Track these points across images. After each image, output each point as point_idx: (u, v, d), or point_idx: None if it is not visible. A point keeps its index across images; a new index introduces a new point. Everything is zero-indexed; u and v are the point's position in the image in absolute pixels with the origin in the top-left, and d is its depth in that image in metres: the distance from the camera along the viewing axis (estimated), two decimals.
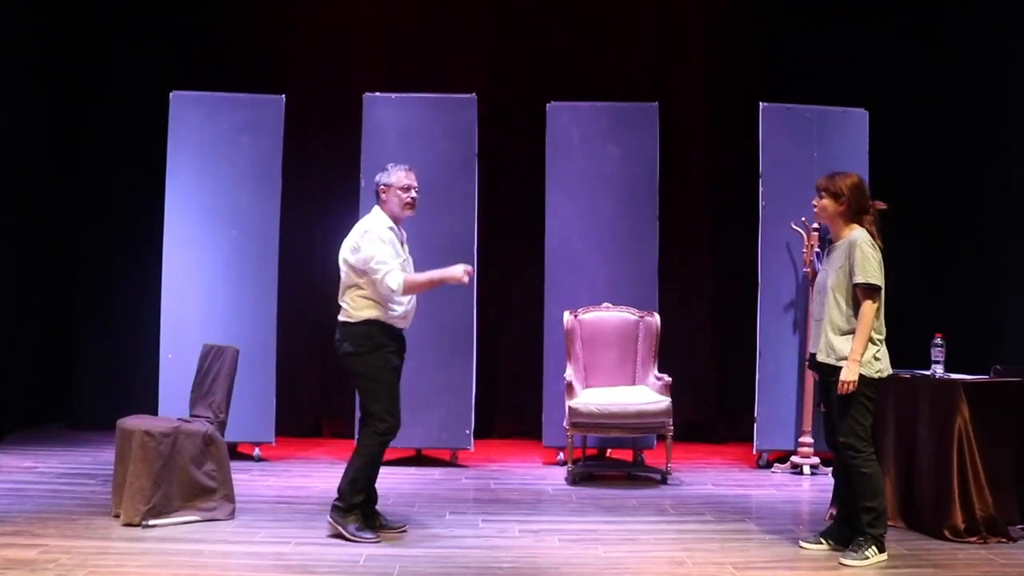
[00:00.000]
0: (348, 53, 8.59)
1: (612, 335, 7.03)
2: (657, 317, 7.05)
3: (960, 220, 8.15)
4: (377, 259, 4.93)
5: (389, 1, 8.65)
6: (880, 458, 5.38)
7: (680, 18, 8.69)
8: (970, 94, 8.10)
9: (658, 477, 6.66)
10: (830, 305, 4.67)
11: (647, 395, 6.62)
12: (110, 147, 8.45)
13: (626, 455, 7.30)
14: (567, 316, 7.02)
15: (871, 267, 4.59)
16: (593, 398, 6.57)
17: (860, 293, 4.60)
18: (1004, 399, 5.17)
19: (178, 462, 5.14)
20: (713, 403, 8.45)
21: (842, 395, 4.58)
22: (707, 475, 6.88)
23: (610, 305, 7.11)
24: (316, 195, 8.44)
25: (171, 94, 7.18)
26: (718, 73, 8.61)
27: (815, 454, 6.90)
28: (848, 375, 4.54)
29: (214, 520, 5.16)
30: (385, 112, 7.25)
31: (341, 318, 5.05)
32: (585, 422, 6.51)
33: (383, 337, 5.00)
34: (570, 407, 6.52)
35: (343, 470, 5.03)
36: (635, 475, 6.85)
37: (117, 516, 5.13)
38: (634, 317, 7.07)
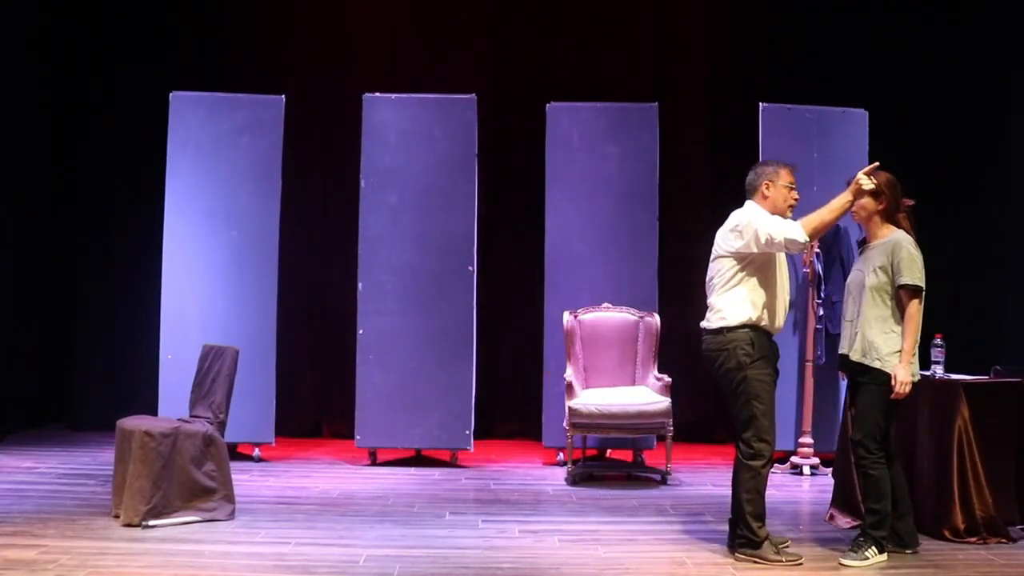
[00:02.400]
0: (348, 53, 8.59)
1: (612, 335, 7.03)
2: (657, 317, 7.05)
3: (960, 220, 8.15)
4: (767, 225, 4.59)
5: (389, 1, 8.65)
6: None
7: (680, 18, 8.68)
8: (970, 94, 8.10)
9: (658, 478, 6.66)
10: (868, 305, 4.62)
11: (647, 395, 6.62)
12: (110, 148, 8.44)
13: (626, 455, 7.30)
14: (567, 316, 7.02)
15: (917, 268, 4.58)
16: (593, 399, 6.57)
17: (906, 295, 4.57)
18: (1004, 400, 5.18)
19: (178, 462, 5.14)
20: (713, 404, 8.43)
21: (869, 394, 4.59)
22: (707, 475, 6.88)
23: (610, 305, 7.11)
24: (316, 196, 8.45)
25: (171, 94, 7.18)
26: (718, 73, 8.60)
27: (815, 454, 6.89)
28: (905, 375, 4.52)
29: (214, 520, 5.16)
30: (385, 112, 7.25)
31: (714, 324, 4.80)
32: (585, 423, 6.51)
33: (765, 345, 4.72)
34: (570, 407, 6.52)
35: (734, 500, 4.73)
36: (635, 475, 6.85)
37: (117, 516, 5.13)
38: (634, 317, 7.06)
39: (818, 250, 6.92)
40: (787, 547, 4.70)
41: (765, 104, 7.23)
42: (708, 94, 8.61)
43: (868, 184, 4.63)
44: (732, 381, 4.67)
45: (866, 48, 8.37)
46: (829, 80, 8.12)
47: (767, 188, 4.78)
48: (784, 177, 4.79)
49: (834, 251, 6.99)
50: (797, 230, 4.55)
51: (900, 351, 4.57)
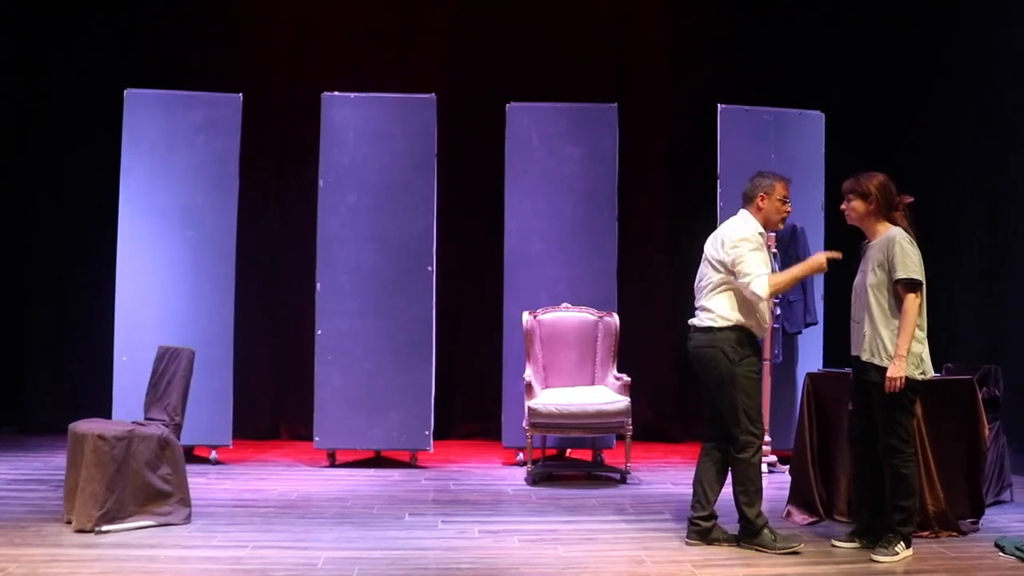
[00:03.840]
0: (308, 52, 8.53)
1: (571, 335, 7.04)
2: (616, 317, 7.08)
3: (913, 219, 8.25)
4: (747, 267, 4.77)
5: (350, 0, 8.60)
6: (834, 455, 5.47)
7: (640, 20, 8.74)
8: (921, 96, 8.22)
9: (617, 477, 6.68)
10: (871, 304, 4.67)
11: (606, 395, 6.64)
12: (63, 146, 8.32)
13: (586, 455, 7.31)
14: (526, 316, 7.03)
15: (912, 263, 4.61)
16: (552, 398, 6.58)
17: (902, 289, 4.59)
18: (956, 397, 5.26)
19: (132, 466, 5.06)
20: (672, 403, 8.49)
21: (886, 395, 4.56)
22: (666, 474, 6.92)
23: (569, 305, 7.12)
24: (274, 195, 8.39)
25: (125, 92, 7.09)
26: (677, 75, 8.66)
27: (772, 452, 6.95)
28: (896, 372, 4.52)
29: (169, 525, 5.09)
30: (344, 112, 7.21)
31: (704, 323, 4.88)
32: (544, 422, 6.51)
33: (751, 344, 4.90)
34: (529, 407, 6.52)
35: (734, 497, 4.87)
36: (595, 475, 6.87)
37: (69, 522, 5.03)
38: (593, 317, 7.08)
39: (775, 250, 6.97)
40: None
41: (724, 105, 7.28)
42: (667, 95, 8.68)
43: (825, 266, 4.90)
44: (720, 378, 4.81)
45: (822, 52, 8.47)
46: (786, 83, 8.21)
47: (762, 200, 4.92)
48: (779, 191, 4.94)
49: (791, 252, 7.05)
50: (762, 287, 4.72)
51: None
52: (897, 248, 4.62)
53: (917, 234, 4.78)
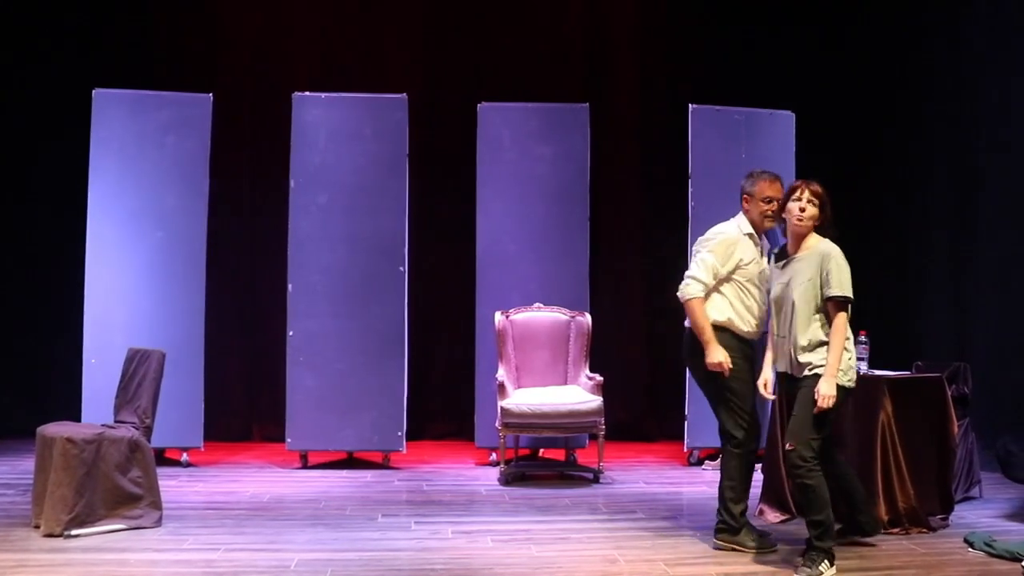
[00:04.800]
0: (278, 52, 8.48)
1: (543, 335, 7.05)
2: (588, 317, 7.09)
3: (883, 220, 8.35)
4: (696, 266, 4.84)
5: (321, 0, 8.57)
6: None
7: (611, 20, 8.76)
8: (889, 97, 8.30)
9: (590, 476, 6.70)
10: (799, 319, 4.51)
11: (579, 395, 6.66)
12: (29, 146, 8.20)
13: (558, 455, 7.32)
14: (498, 317, 7.03)
15: (846, 279, 4.51)
16: (525, 398, 6.58)
17: (834, 306, 4.48)
18: (925, 394, 5.31)
19: (102, 469, 5.01)
20: (644, 402, 8.52)
21: (802, 403, 4.46)
22: (639, 473, 6.94)
23: (541, 305, 7.13)
24: (244, 196, 8.33)
25: (94, 92, 7.01)
26: (648, 75, 8.69)
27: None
28: (829, 390, 4.38)
29: (140, 528, 5.05)
30: (315, 112, 7.18)
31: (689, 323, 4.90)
32: (517, 422, 6.52)
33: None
34: (502, 407, 6.52)
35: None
36: (567, 475, 6.88)
37: (37, 527, 4.98)
38: (565, 317, 7.10)
39: None
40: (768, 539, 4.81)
41: (694, 105, 7.32)
42: (639, 95, 8.70)
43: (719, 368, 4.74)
44: (700, 377, 4.85)
45: (793, 52, 8.53)
46: (757, 83, 8.26)
47: (745, 202, 4.92)
48: (761, 191, 4.86)
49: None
50: (684, 291, 4.84)
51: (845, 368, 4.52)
52: (833, 264, 4.51)
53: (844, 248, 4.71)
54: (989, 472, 6.42)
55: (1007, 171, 7.07)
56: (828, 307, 4.51)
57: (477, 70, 8.48)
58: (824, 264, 4.52)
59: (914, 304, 8.01)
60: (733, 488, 4.78)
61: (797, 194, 4.60)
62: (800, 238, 4.63)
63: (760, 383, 4.79)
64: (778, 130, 7.43)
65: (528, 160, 7.38)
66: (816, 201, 4.58)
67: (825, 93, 8.46)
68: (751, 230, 4.89)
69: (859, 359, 5.42)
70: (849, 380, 4.53)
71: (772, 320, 4.73)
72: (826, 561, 4.39)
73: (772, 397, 4.84)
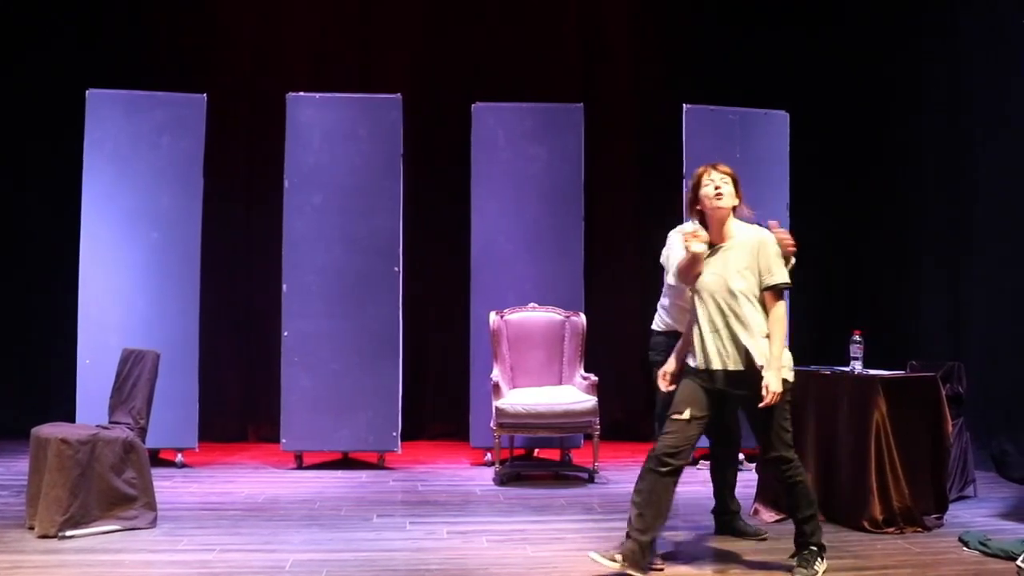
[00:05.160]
0: (273, 52, 8.48)
1: (538, 335, 7.05)
2: (583, 317, 7.09)
3: (878, 219, 8.37)
4: (672, 262, 4.85)
5: (314, 0, 8.56)
6: (801, 452, 5.50)
7: (606, 20, 8.78)
8: (884, 96, 8.32)
9: (585, 476, 6.70)
10: (745, 310, 4.28)
11: (574, 395, 6.66)
12: (23, 146, 8.20)
13: (554, 455, 7.32)
14: (493, 317, 7.03)
15: (783, 267, 4.36)
16: (520, 398, 6.58)
17: (774, 295, 4.30)
18: (920, 394, 5.32)
19: (97, 470, 5.00)
20: (639, 402, 8.52)
21: (767, 407, 4.24)
22: (634, 473, 6.75)
23: (536, 305, 7.13)
24: (239, 196, 8.33)
25: (87, 92, 7.00)
26: (643, 75, 8.71)
27: (740, 451, 6.98)
28: (777, 384, 4.18)
29: (135, 529, 5.04)
30: (309, 112, 7.17)
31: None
32: (512, 422, 6.52)
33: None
34: (497, 408, 6.52)
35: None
36: (563, 474, 6.89)
37: (32, 528, 4.96)
38: (560, 317, 7.10)
39: None
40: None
41: (689, 105, 7.32)
42: (633, 95, 8.72)
43: (697, 246, 4.35)
44: (651, 380, 4.80)
45: (787, 52, 8.55)
46: (752, 82, 8.28)
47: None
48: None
49: None
50: (671, 275, 4.85)
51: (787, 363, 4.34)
52: (772, 251, 4.33)
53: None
54: (984, 471, 6.45)
55: (1003, 171, 7.08)
56: (767, 296, 4.31)
57: (472, 70, 8.49)
58: (761, 251, 4.32)
59: (908, 303, 8.03)
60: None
61: (705, 179, 4.39)
62: (722, 223, 4.39)
63: (662, 374, 4.57)
64: (773, 130, 7.45)
65: (523, 160, 7.38)
66: (732, 181, 4.40)
67: (820, 93, 8.48)
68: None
69: (853, 359, 5.44)
70: (790, 370, 4.35)
71: (698, 312, 4.37)
72: (819, 558, 4.35)
73: (670, 388, 4.50)
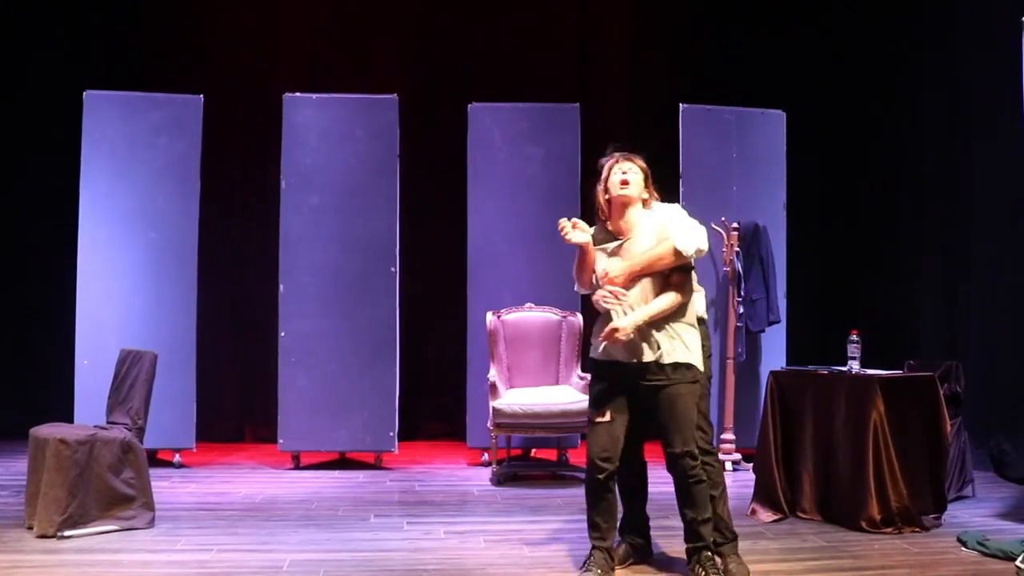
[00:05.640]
0: (269, 53, 8.48)
1: (535, 335, 7.05)
2: (580, 317, 7.09)
3: (875, 218, 8.38)
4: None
5: (311, 1, 8.56)
6: (798, 452, 5.53)
7: (603, 20, 8.78)
8: (882, 95, 8.33)
9: (582, 476, 6.68)
10: (658, 296, 4.13)
11: (570, 395, 6.66)
12: (20, 148, 8.19)
13: (551, 455, 7.32)
14: (490, 317, 7.03)
15: (686, 233, 4.18)
16: (517, 398, 6.58)
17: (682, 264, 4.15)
18: (917, 393, 5.32)
19: (95, 470, 5.00)
20: None
21: (682, 399, 4.10)
22: None
23: (533, 305, 7.13)
24: (236, 197, 8.33)
25: (84, 93, 7.00)
26: (639, 75, 8.71)
27: (736, 450, 7.01)
28: (627, 325, 4.03)
29: (133, 529, 5.04)
30: (306, 113, 7.17)
31: None
32: (509, 422, 6.52)
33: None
34: (494, 408, 6.53)
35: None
36: (560, 474, 6.89)
37: (31, 528, 4.96)
38: (557, 317, 7.10)
39: (738, 248, 7.04)
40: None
41: (685, 105, 7.33)
42: (629, 95, 8.73)
43: (577, 236, 4.30)
44: None
45: (783, 51, 8.57)
46: (748, 82, 8.29)
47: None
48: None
49: (753, 250, 7.12)
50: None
51: (694, 336, 4.19)
52: (678, 223, 4.17)
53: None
54: (982, 471, 6.45)
55: (1000, 170, 7.10)
56: (673, 275, 4.16)
57: (468, 70, 8.49)
58: (667, 226, 4.17)
59: (906, 303, 8.04)
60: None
61: (614, 168, 4.31)
62: (624, 212, 4.29)
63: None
64: (769, 129, 7.46)
65: (519, 160, 7.39)
66: (636, 165, 4.30)
67: (817, 91, 8.49)
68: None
69: (851, 358, 5.45)
70: (700, 361, 4.19)
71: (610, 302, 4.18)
72: (713, 564, 4.20)
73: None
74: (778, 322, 7.24)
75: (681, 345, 4.17)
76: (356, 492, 6.23)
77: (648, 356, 4.14)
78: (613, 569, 4.36)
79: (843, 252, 8.59)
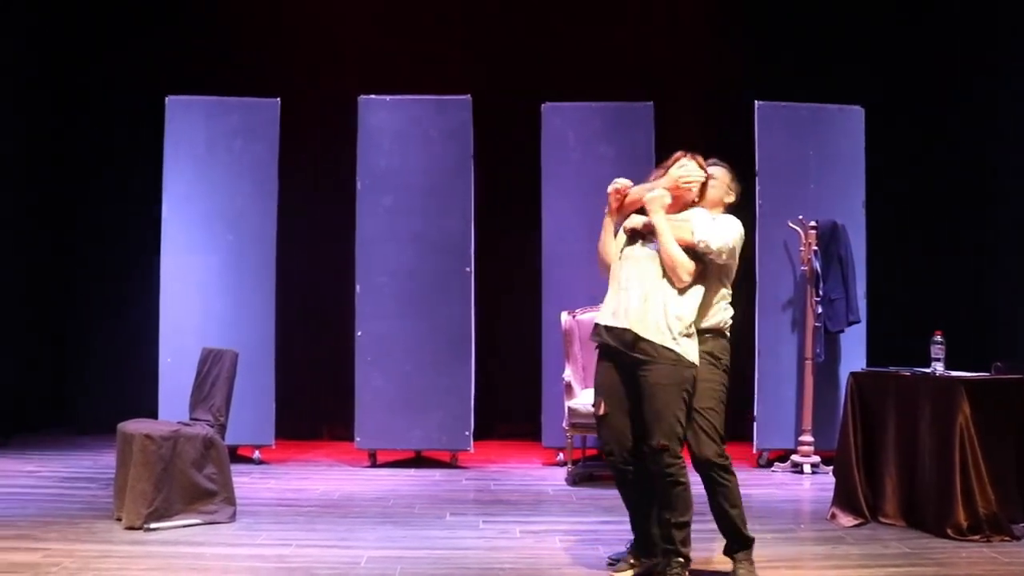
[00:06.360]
0: (341, 55, 8.60)
1: None
2: None
3: (959, 216, 8.17)
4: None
5: (383, 2, 8.65)
6: (880, 455, 5.41)
7: (674, 17, 8.70)
8: (964, 91, 8.12)
9: None
10: (669, 286, 4.12)
11: None
12: (107, 152, 8.45)
13: None
14: (565, 317, 7.02)
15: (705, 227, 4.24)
16: (592, 398, 6.55)
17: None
18: (1005, 396, 5.16)
19: (178, 465, 5.13)
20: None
21: (663, 387, 4.01)
22: None
23: None
24: (313, 198, 8.43)
25: (167, 99, 7.18)
26: (713, 71, 8.61)
27: (815, 453, 6.90)
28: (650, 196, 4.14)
29: (215, 523, 5.15)
30: (380, 114, 7.25)
31: None
32: (584, 423, 6.50)
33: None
34: (569, 408, 6.52)
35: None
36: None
37: (119, 519, 5.12)
38: None
39: (816, 248, 6.92)
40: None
41: (760, 102, 7.23)
42: (703, 92, 8.63)
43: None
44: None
45: (863, 46, 8.39)
46: (825, 78, 8.14)
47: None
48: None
49: (832, 249, 7.00)
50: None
51: (690, 334, 4.10)
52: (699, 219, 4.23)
53: None
54: None
55: None
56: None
57: (540, 69, 8.49)
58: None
59: (992, 302, 7.82)
60: None
61: (684, 162, 4.37)
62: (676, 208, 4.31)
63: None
64: (847, 126, 7.31)
65: (592, 160, 7.36)
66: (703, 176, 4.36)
67: (897, 87, 8.29)
68: None
69: (935, 359, 5.31)
70: (696, 356, 4.12)
71: (618, 270, 4.28)
72: (686, 571, 4.10)
73: None
74: (858, 322, 7.10)
75: (668, 332, 4.05)
76: (432, 490, 6.28)
77: (633, 325, 4.06)
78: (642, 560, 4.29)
79: (925, 250, 8.38)
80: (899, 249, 8.16)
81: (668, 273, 4.12)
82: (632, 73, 8.55)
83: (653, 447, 4.04)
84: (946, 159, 8.26)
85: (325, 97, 8.47)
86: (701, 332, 4.21)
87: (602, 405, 4.21)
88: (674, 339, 4.07)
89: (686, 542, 4.12)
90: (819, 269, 6.93)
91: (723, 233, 4.21)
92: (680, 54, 8.66)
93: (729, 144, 8.15)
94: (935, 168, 8.31)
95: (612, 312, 4.17)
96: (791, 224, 7.03)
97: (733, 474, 4.30)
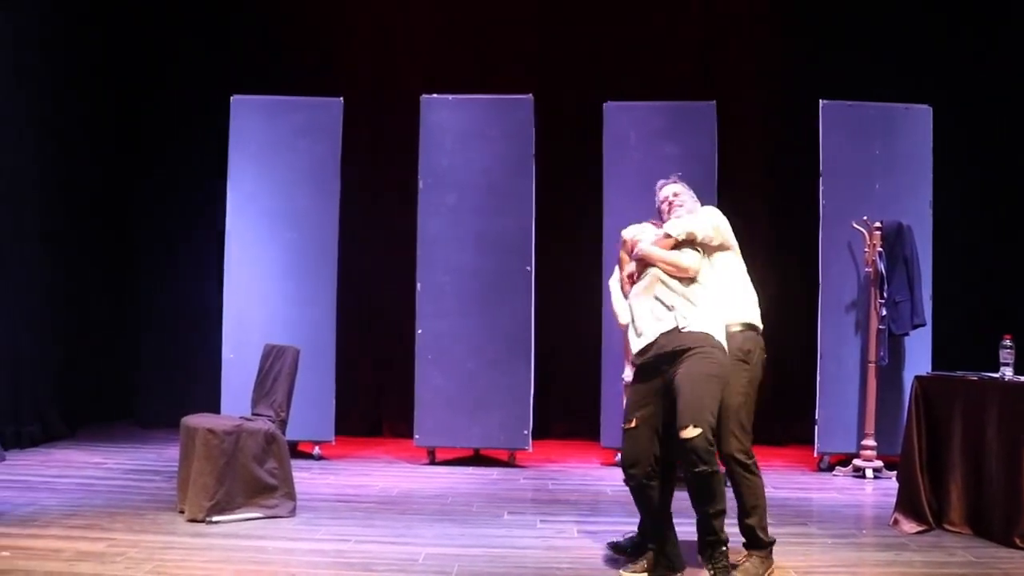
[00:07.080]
0: (403, 54, 8.66)
1: None
2: None
3: None
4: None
5: (443, 2, 8.69)
6: (945, 461, 5.29)
7: (736, 15, 8.61)
8: None
9: None
10: (690, 291, 4.31)
11: None
12: (172, 150, 8.62)
13: None
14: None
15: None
16: None
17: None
18: None
19: (240, 460, 5.21)
20: (769, 403, 8.31)
21: (699, 377, 4.06)
22: (767, 477, 6.66)
23: None
24: (375, 197, 8.51)
25: (232, 98, 7.29)
26: (776, 70, 8.50)
27: (878, 457, 6.78)
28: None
29: (276, 517, 5.23)
30: (442, 114, 7.28)
31: None
32: None
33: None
34: None
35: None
36: None
37: (182, 512, 5.22)
38: None
39: (881, 249, 6.80)
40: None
41: (825, 101, 7.13)
42: (766, 91, 8.52)
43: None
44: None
45: (929, 43, 8.21)
46: (892, 76, 7.99)
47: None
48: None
49: (897, 250, 6.86)
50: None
51: (715, 328, 4.23)
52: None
53: None
54: None
55: None
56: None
57: (600, 68, 8.47)
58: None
59: None
60: None
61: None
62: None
63: None
64: (914, 125, 7.16)
65: (654, 159, 7.29)
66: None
67: (965, 86, 8.10)
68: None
69: (1004, 364, 5.19)
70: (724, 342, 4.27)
71: (636, 288, 4.46)
72: (727, 557, 4.15)
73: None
74: (923, 325, 6.95)
75: (697, 315, 4.22)
76: (490, 489, 6.30)
77: (670, 323, 4.20)
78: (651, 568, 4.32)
79: (994, 251, 8.18)
80: (966, 250, 7.98)
81: (676, 275, 4.32)
82: (694, 72, 8.49)
83: (688, 438, 3.98)
84: (1015, 159, 8.05)
85: (387, 96, 8.55)
86: (728, 327, 4.36)
87: (633, 420, 4.23)
88: (704, 331, 4.18)
89: (722, 527, 4.14)
90: (884, 270, 6.81)
91: (698, 218, 4.51)
92: (743, 53, 8.57)
93: (792, 144, 8.12)
94: (1003, 168, 8.10)
95: (639, 333, 4.30)
96: (855, 225, 6.91)
97: (756, 474, 4.35)
